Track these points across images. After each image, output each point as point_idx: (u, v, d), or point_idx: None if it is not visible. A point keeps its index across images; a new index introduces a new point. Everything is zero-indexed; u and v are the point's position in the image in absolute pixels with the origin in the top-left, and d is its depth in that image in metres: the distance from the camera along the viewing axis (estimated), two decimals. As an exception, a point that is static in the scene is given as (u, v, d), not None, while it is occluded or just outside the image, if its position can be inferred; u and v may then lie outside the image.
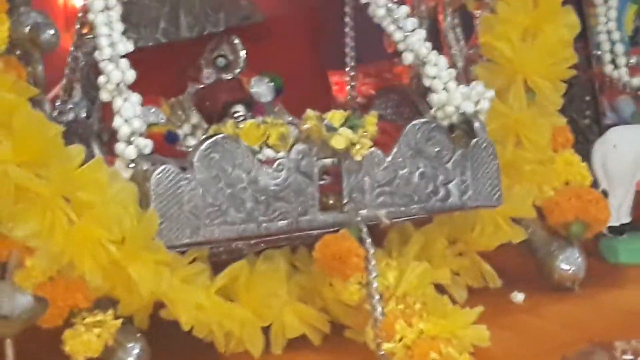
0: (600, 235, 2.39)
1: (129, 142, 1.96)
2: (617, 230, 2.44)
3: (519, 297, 2.27)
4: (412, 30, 2.22)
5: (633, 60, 2.57)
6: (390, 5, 2.23)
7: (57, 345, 1.89)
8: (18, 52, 1.98)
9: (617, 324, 2.12)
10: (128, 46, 2.00)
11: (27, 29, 1.96)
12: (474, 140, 2.12)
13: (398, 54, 2.27)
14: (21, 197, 1.88)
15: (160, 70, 2.15)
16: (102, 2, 2.00)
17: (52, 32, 1.99)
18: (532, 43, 2.29)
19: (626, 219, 2.44)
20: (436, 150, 2.10)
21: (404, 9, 2.24)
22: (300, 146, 2.04)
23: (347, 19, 2.33)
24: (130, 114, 1.96)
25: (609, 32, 2.53)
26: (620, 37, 2.55)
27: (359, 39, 2.34)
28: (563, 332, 2.08)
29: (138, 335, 1.96)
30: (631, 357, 1.79)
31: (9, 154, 1.86)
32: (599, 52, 2.55)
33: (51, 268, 1.89)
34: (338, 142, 2.03)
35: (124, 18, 2.02)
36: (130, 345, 1.94)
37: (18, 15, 1.95)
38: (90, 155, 1.97)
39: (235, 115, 2.14)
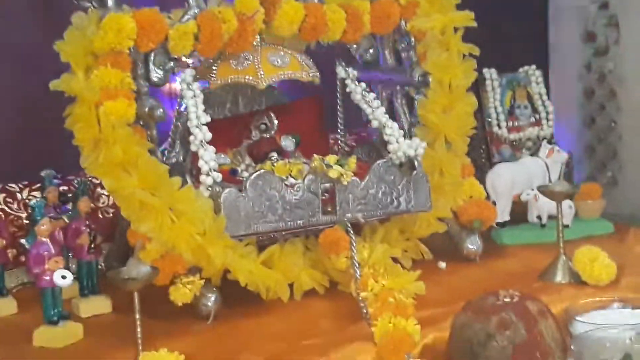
0: (491, 227, 2.38)
1: (208, 175, 1.96)
2: (501, 224, 2.44)
3: (442, 265, 2.26)
4: (377, 107, 2.22)
5: (510, 124, 2.56)
6: (363, 92, 2.23)
7: (165, 295, 1.90)
8: (141, 122, 1.98)
9: (500, 280, 2.11)
10: (207, 118, 2.00)
11: (146, 109, 1.97)
12: (414, 172, 2.13)
13: (369, 121, 2.26)
14: (143, 208, 1.90)
15: (227, 132, 2.17)
16: (191, 92, 2.01)
17: (161, 110, 2.00)
18: (449, 114, 2.29)
19: (506, 217, 2.45)
20: (392, 178, 2.12)
21: (372, 95, 2.25)
22: (310, 176, 2.05)
23: (338, 101, 2.32)
24: (208, 158, 1.97)
25: (495, 107, 2.53)
26: (502, 110, 2.56)
27: (346, 111, 2.33)
28: (469, 285, 2.08)
29: (214, 289, 1.96)
30: (508, 299, 1.77)
31: (136, 183, 1.89)
32: (489, 119, 2.54)
33: (161, 249, 1.90)
34: (333, 173, 2.04)
35: (204, 101, 2.02)
36: (209, 295, 1.95)
37: (141, 101, 1.96)
38: (185, 183, 1.97)
39: (272, 158, 2.15)
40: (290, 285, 2.03)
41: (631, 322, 1.77)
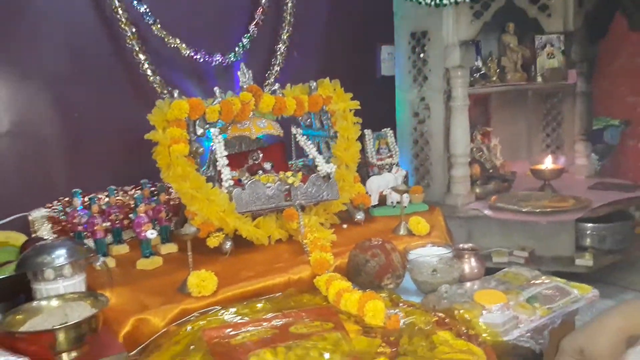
0: (369, 207, 2.33)
1: (226, 182, 1.90)
2: (374, 206, 2.38)
3: (344, 226, 2.18)
4: (312, 148, 2.19)
5: (377, 156, 2.50)
6: (305, 140, 2.20)
7: (204, 242, 1.84)
8: (192, 155, 1.91)
9: (373, 233, 2.07)
10: (225, 153, 1.94)
11: (194, 148, 1.91)
12: (330, 180, 2.08)
13: (307, 155, 2.22)
14: (193, 198, 1.85)
15: (236, 161, 2.09)
16: (218, 140, 1.95)
17: (202, 149, 1.93)
18: (348, 152, 2.25)
19: (376, 202, 2.39)
20: (319, 183, 2.05)
21: (309, 142, 2.21)
22: (278, 182, 1.98)
23: (292, 144, 2.27)
24: (226, 173, 1.91)
25: (370, 149, 2.49)
26: (374, 150, 2.50)
27: (296, 150, 2.29)
28: (357, 236, 2.01)
29: (230, 238, 1.88)
30: (376, 242, 1.75)
31: (189, 186, 1.83)
32: (367, 154, 2.49)
33: (201, 219, 1.83)
34: (290, 181, 1.99)
35: (224, 145, 1.97)
36: (227, 242, 1.87)
37: (191, 144, 1.90)
38: (214, 186, 1.90)
39: (259, 174, 2.08)
40: (269, 237, 1.97)
41: (436, 253, 1.78)
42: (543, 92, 3.63)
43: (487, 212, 2.87)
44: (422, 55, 3.00)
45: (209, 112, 1.94)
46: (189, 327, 1.41)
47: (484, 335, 1.36)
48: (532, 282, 1.64)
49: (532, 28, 3.30)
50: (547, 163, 3.31)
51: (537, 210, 2.81)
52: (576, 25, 3.18)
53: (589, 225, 2.83)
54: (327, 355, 1.21)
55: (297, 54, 2.80)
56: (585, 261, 2.72)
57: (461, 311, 1.43)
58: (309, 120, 2.32)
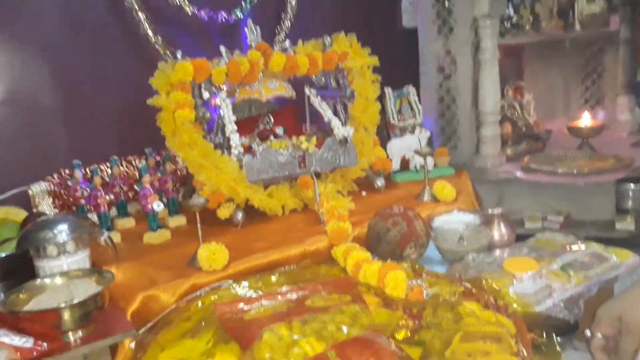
0: (390, 173, 2.32)
1: (235, 148, 1.89)
2: (395, 171, 2.37)
3: (363, 193, 2.18)
4: (327, 110, 2.16)
5: (399, 117, 2.46)
6: (319, 102, 2.16)
7: (214, 214, 1.84)
8: (198, 121, 1.90)
9: (394, 200, 2.06)
10: (234, 118, 1.93)
11: (200, 114, 1.90)
12: (347, 144, 2.05)
13: (323, 117, 2.19)
14: (201, 167, 1.84)
15: (246, 126, 2.08)
16: (225, 104, 1.94)
17: (208, 114, 1.93)
18: (366, 113, 2.22)
19: (397, 167, 2.38)
20: (335, 148, 2.03)
21: (324, 103, 2.17)
22: (291, 148, 1.97)
23: (306, 106, 2.23)
24: (236, 139, 1.90)
25: (391, 108, 2.46)
26: (395, 110, 2.46)
27: (310, 112, 2.25)
28: (377, 203, 2.00)
29: (241, 209, 1.89)
30: (397, 210, 1.74)
31: (196, 154, 1.83)
32: (388, 115, 2.45)
33: (211, 189, 1.83)
34: (304, 146, 1.97)
35: (233, 109, 1.95)
36: (239, 212, 1.88)
37: (197, 109, 1.89)
38: (223, 153, 1.90)
39: (271, 139, 2.06)
40: (282, 207, 1.97)
41: (463, 220, 1.76)
42: (582, 41, 3.52)
43: (519, 174, 2.82)
44: (447, 4, 2.91)
45: (215, 73, 1.91)
46: (200, 303, 1.41)
47: (514, 305, 1.34)
48: (567, 248, 1.62)
49: (569, -31, 3.18)
50: (586, 119, 3.23)
51: (574, 171, 2.76)
52: (619, -35, 3.06)
53: (631, 185, 2.77)
54: (345, 329, 1.20)
55: (309, 5, 2.75)
56: (626, 224, 2.67)
57: (489, 281, 1.41)
58: (323, 79, 2.25)
